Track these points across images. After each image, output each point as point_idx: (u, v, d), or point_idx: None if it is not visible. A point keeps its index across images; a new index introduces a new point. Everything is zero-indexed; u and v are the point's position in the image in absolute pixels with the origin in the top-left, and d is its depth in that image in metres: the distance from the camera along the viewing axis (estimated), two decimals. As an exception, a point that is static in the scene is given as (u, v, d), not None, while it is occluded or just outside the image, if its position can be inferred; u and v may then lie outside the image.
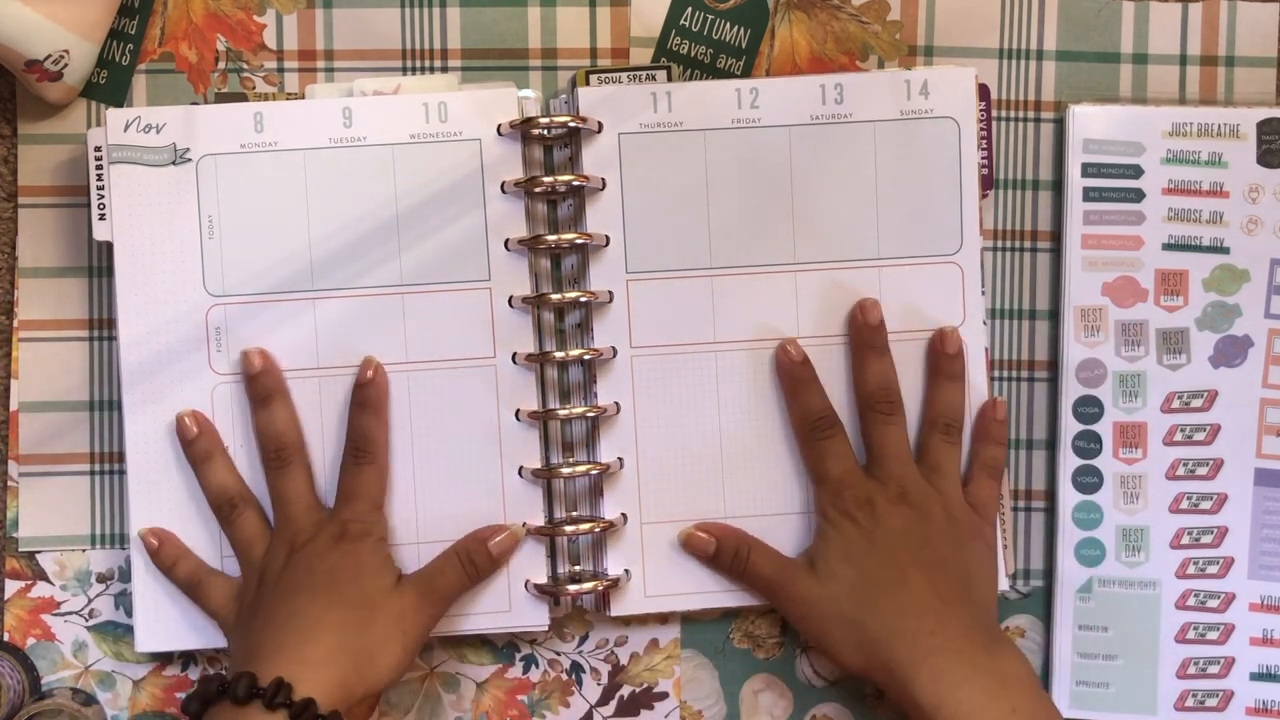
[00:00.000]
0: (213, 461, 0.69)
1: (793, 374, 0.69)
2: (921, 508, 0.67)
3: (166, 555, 0.69)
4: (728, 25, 0.74)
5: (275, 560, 0.67)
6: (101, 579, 0.72)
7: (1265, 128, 0.73)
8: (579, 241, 0.70)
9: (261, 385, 0.68)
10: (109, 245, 0.70)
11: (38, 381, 0.72)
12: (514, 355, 0.70)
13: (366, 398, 0.68)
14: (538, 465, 0.71)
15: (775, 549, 0.69)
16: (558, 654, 0.73)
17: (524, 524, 0.69)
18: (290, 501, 0.68)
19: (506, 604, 0.70)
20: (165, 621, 0.70)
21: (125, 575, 0.72)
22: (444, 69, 0.73)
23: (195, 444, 0.69)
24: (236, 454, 0.70)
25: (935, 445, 0.69)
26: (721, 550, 0.69)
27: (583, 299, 0.70)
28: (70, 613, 0.72)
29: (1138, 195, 0.73)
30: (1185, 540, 0.73)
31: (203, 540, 0.70)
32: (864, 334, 0.70)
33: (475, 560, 0.68)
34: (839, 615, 0.66)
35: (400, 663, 0.65)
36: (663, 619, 0.74)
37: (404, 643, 0.65)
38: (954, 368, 0.70)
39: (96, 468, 0.72)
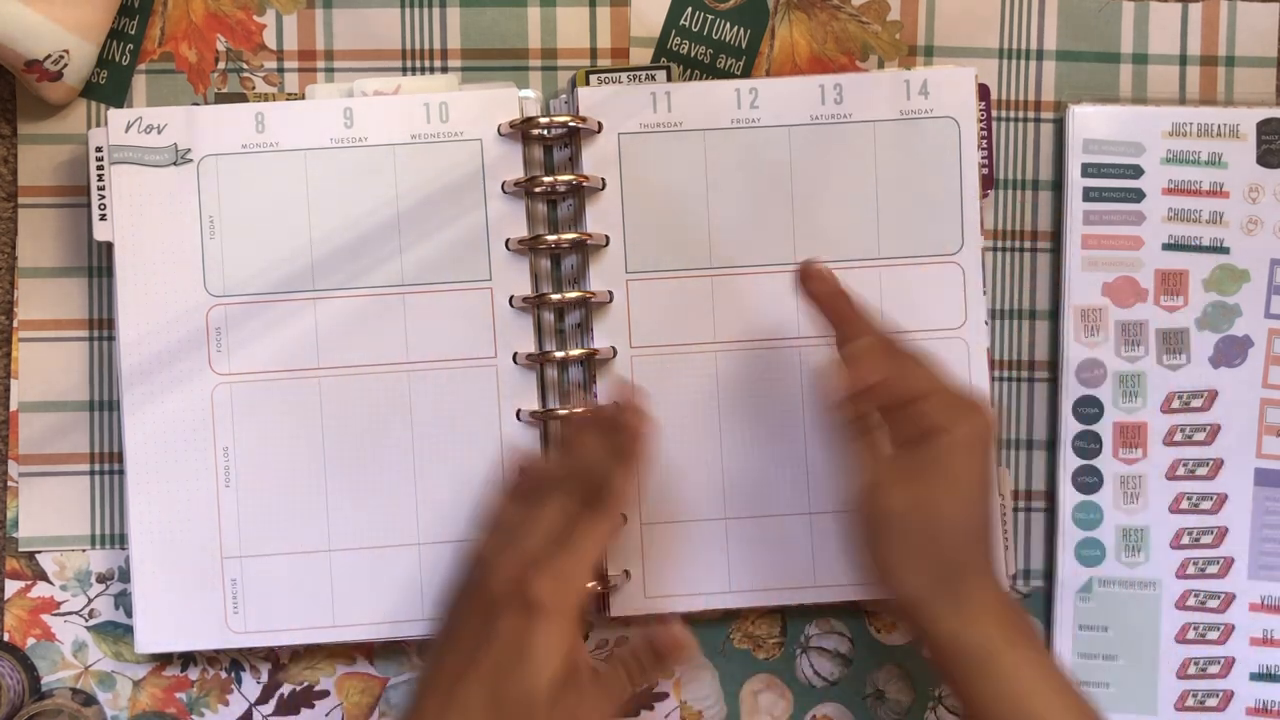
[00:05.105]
0: (577, 449, 0.63)
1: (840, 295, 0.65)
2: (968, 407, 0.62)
3: (523, 481, 0.63)
4: (728, 25, 0.74)
5: (474, 574, 0.60)
6: (101, 579, 0.72)
7: (1265, 128, 0.73)
8: (579, 241, 0.70)
9: (629, 443, 0.62)
10: (109, 245, 0.70)
11: (38, 381, 0.72)
12: (514, 355, 0.70)
13: (631, 449, 0.62)
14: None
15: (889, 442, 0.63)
16: (558, 654, 0.73)
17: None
18: (531, 523, 0.60)
19: (507, 604, 0.70)
20: (165, 621, 0.70)
21: (125, 575, 0.72)
22: (444, 69, 0.73)
23: (582, 434, 0.63)
24: (235, 454, 0.70)
25: None
26: (876, 391, 0.61)
27: (583, 299, 0.70)
28: (70, 613, 0.72)
29: (1138, 195, 0.73)
30: (1185, 540, 0.73)
31: (198, 539, 0.70)
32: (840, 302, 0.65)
33: (647, 674, 0.60)
34: (911, 547, 0.61)
35: None
36: (663, 619, 0.73)
37: None
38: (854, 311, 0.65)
39: (96, 468, 0.72)
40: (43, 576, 0.72)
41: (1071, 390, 0.73)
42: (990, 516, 0.62)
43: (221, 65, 0.73)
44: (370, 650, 0.73)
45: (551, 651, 0.56)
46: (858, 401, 0.62)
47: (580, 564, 0.59)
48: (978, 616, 0.60)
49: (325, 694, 0.73)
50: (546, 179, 0.70)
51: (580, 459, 0.62)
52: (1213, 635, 0.73)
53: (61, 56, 0.68)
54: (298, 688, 0.73)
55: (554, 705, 0.56)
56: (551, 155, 0.72)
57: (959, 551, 0.61)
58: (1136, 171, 0.73)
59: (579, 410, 0.68)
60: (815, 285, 0.66)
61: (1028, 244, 0.74)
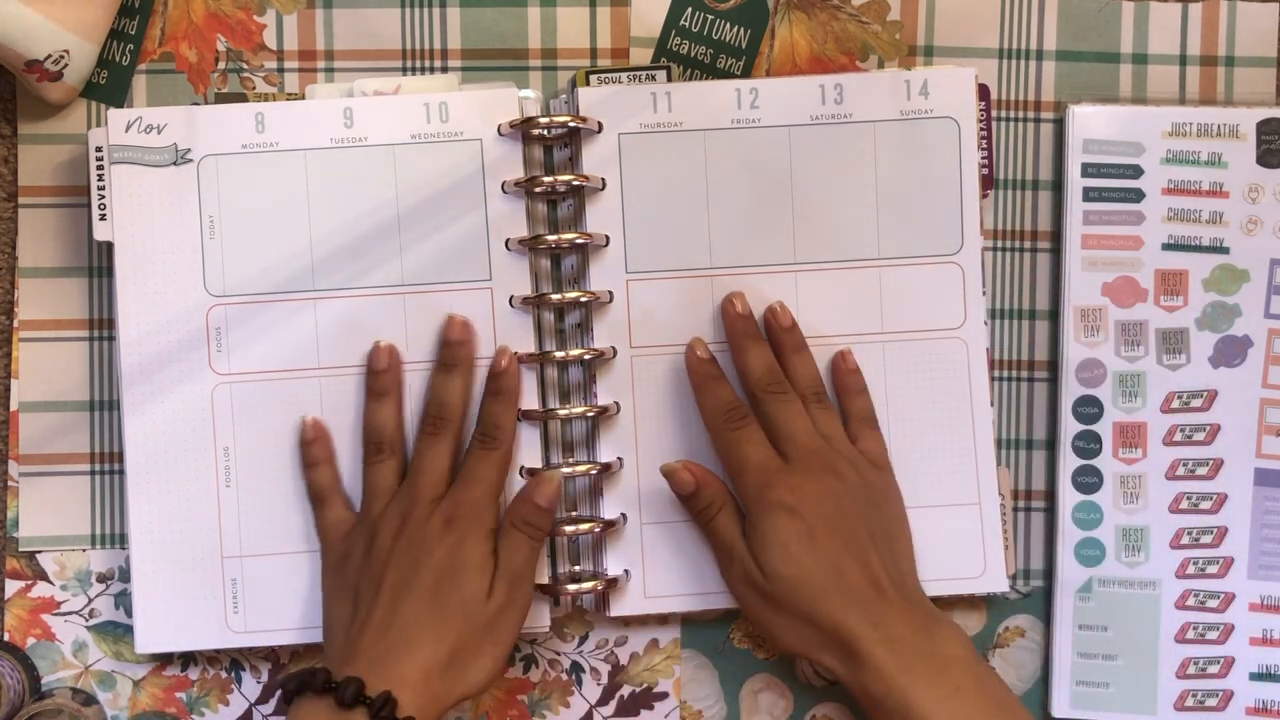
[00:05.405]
0: (386, 400, 0.69)
1: (700, 371, 0.70)
2: (845, 479, 0.67)
3: (313, 453, 0.70)
4: (728, 25, 0.74)
5: (387, 525, 0.67)
6: (101, 579, 0.72)
7: (1265, 128, 0.73)
8: (579, 241, 0.70)
9: (453, 354, 0.69)
10: (109, 245, 0.70)
11: (38, 381, 0.72)
12: (514, 355, 0.70)
13: (500, 387, 0.69)
14: (538, 465, 0.71)
15: (744, 518, 0.69)
16: (558, 654, 0.74)
17: (558, 466, 0.70)
18: (424, 470, 0.68)
19: (507, 604, 0.71)
20: (165, 621, 0.70)
21: (125, 575, 0.72)
22: (444, 69, 0.73)
23: (379, 377, 0.69)
24: (235, 454, 0.70)
25: (814, 416, 0.69)
26: (697, 495, 0.69)
27: (583, 299, 0.70)
28: (70, 613, 0.72)
29: (1137, 195, 0.73)
30: (1185, 540, 0.73)
31: (198, 539, 0.70)
32: (738, 324, 0.70)
33: (531, 520, 0.67)
34: (782, 609, 0.66)
35: (490, 674, 0.66)
36: (662, 619, 0.74)
37: (495, 653, 0.66)
38: (796, 340, 0.70)
39: (96, 468, 0.72)
40: (43, 576, 0.72)
41: (1071, 390, 0.73)
42: (846, 567, 0.66)
43: (222, 65, 0.73)
44: (370, 650, 0.73)
45: (482, 563, 0.66)
46: (687, 505, 0.70)
47: (487, 491, 0.68)
48: (867, 665, 0.64)
49: (325, 694, 0.73)
50: (546, 179, 0.70)
51: (447, 405, 0.69)
52: (1212, 635, 0.73)
53: (62, 56, 0.68)
54: (298, 688, 0.73)
55: (489, 600, 0.65)
56: (551, 155, 0.72)
57: (815, 606, 0.65)
58: (1136, 171, 0.73)
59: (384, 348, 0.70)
60: (724, 307, 0.70)
61: (1028, 244, 0.74)
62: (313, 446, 0.70)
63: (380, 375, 0.69)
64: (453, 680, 0.64)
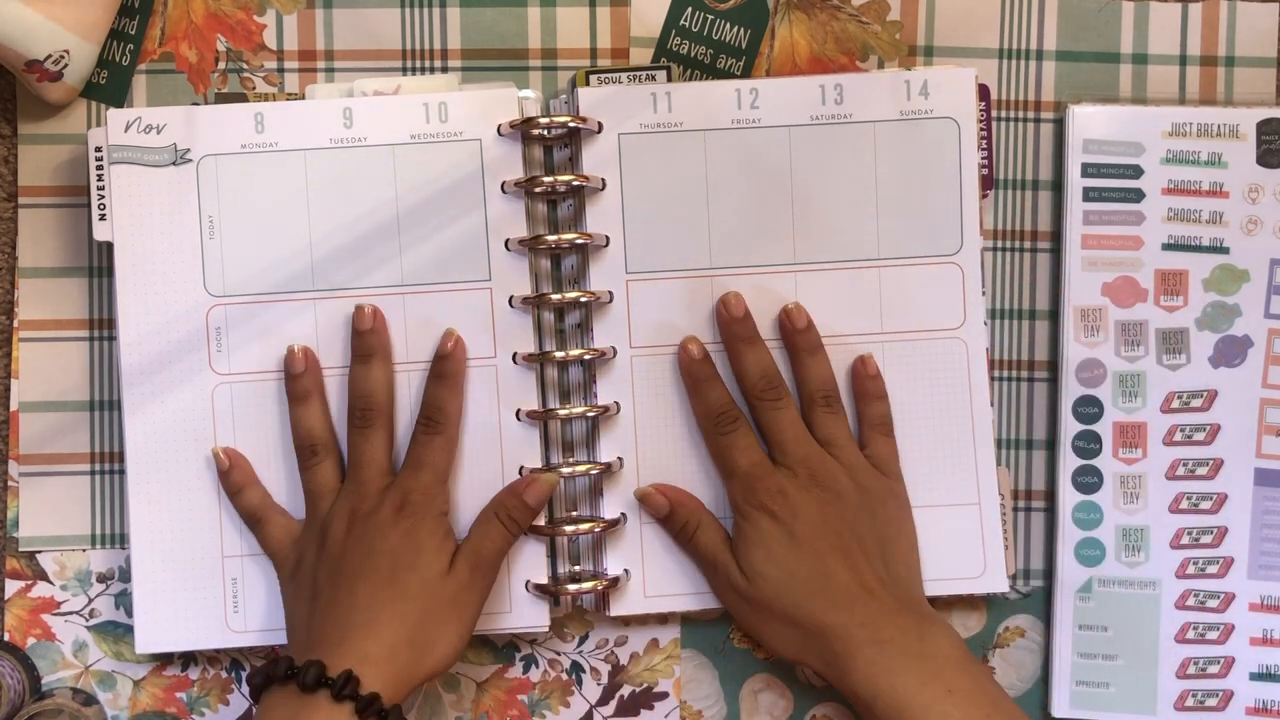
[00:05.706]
0: (309, 402, 0.69)
1: (693, 371, 0.70)
2: (832, 486, 0.68)
3: (234, 480, 0.70)
4: (728, 25, 0.74)
5: (337, 522, 0.67)
6: (101, 579, 0.72)
7: (1265, 128, 0.73)
8: (579, 241, 0.70)
9: (366, 344, 0.69)
10: (109, 245, 0.70)
11: (38, 381, 0.72)
12: (514, 355, 0.70)
13: (444, 369, 0.69)
14: (538, 465, 0.71)
15: (724, 530, 0.70)
16: (558, 654, 0.74)
17: (557, 471, 0.70)
18: (364, 465, 0.68)
19: (507, 604, 0.71)
20: (165, 621, 0.70)
21: (125, 575, 0.72)
22: (444, 69, 0.73)
23: (298, 380, 0.69)
24: (238, 452, 0.70)
25: (820, 420, 0.70)
26: (673, 516, 0.70)
27: (583, 299, 0.70)
28: (70, 613, 0.72)
29: (1137, 195, 0.73)
30: (1185, 540, 0.73)
31: (199, 539, 0.70)
32: (733, 327, 0.70)
33: (514, 515, 0.68)
34: (768, 613, 0.67)
35: (456, 649, 0.66)
36: (663, 619, 0.74)
37: (459, 629, 0.66)
38: (810, 341, 0.70)
39: (96, 468, 0.72)
40: (43, 576, 0.72)
41: (1071, 390, 0.73)
42: (831, 568, 0.66)
43: (222, 65, 0.73)
44: (370, 650, 0.73)
45: (439, 545, 0.66)
46: (664, 526, 0.70)
47: (435, 476, 0.68)
48: (854, 666, 0.64)
49: (325, 694, 0.73)
50: (546, 179, 0.70)
51: (371, 396, 0.69)
52: (1212, 635, 0.73)
53: (62, 56, 0.68)
54: (298, 687, 0.73)
55: (449, 577, 0.66)
56: (551, 155, 0.72)
57: (799, 607, 0.66)
58: (1136, 171, 0.73)
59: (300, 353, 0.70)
60: (718, 310, 0.70)
61: (1028, 244, 0.74)
62: (232, 474, 0.70)
63: (299, 379, 0.69)
64: (419, 654, 0.64)
